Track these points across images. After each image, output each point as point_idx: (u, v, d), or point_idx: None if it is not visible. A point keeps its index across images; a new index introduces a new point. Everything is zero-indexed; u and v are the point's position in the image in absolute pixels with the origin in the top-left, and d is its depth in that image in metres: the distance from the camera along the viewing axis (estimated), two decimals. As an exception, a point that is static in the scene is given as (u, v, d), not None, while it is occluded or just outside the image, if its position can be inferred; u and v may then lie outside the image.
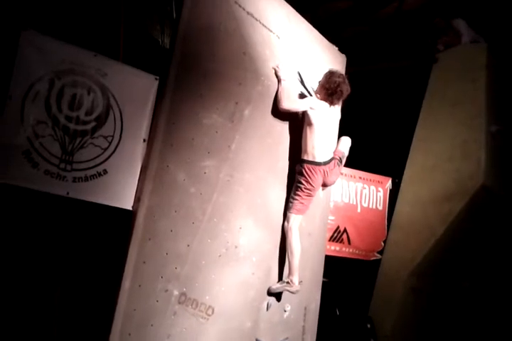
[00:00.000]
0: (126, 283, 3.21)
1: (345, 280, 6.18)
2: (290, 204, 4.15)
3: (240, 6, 4.10)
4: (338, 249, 6.01)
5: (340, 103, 4.39)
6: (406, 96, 6.96)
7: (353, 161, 6.10)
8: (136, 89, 3.62)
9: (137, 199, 3.40)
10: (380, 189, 6.43)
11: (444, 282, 5.87)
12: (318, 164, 4.11)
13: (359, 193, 6.24)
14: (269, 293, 4.07)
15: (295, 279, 4.03)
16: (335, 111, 4.39)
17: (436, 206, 5.72)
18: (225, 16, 3.96)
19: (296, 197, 4.13)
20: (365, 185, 6.32)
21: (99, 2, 4.45)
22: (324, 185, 4.32)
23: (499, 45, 6.55)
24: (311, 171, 4.09)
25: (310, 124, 4.13)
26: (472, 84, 6.13)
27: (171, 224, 3.44)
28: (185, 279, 3.49)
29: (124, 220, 3.36)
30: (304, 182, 4.10)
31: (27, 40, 3.14)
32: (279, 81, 4.23)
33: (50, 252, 3.68)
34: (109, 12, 4.48)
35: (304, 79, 4.60)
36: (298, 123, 4.31)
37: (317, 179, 4.12)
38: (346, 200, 6.13)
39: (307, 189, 4.11)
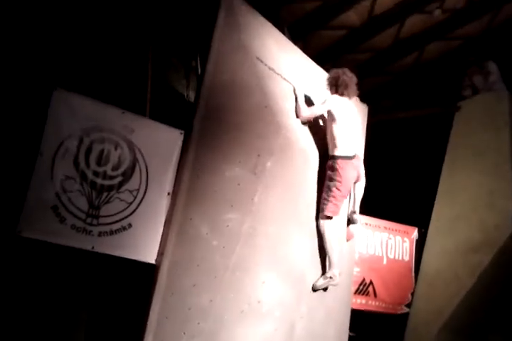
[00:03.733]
0: (149, 339, 3.16)
1: (372, 334, 5.97)
2: (323, 206, 4.14)
3: (261, 61, 4.24)
4: (364, 302, 5.85)
5: (354, 94, 4.47)
6: (430, 145, 6.96)
7: (378, 210, 6.06)
8: (161, 144, 3.72)
9: (160, 253, 3.41)
10: (406, 239, 6.32)
11: (475, 336, 5.63)
12: (350, 158, 4.17)
13: (384, 244, 6.14)
14: (314, 290, 4.11)
15: (336, 272, 4.10)
16: (352, 106, 4.50)
17: (464, 257, 5.59)
18: (247, 72, 4.10)
19: (330, 198, 4.12)
20: (391, 236, 6.23)
21: (127, 60, 4.65)
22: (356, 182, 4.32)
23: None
24: (344, 165, 4.13)
25: (334, 120, 4.23)
26: (495, 132, 6.13)
27: (194, 279, 3.42)
28: (208, 335, 3.43)
29: (148, 274, 3.36)
30: (337, 178, 4.11)
31: (58, 99, 3.29)
32: (296, 98, 4.37)
33: (73, 306, 3.68)
34: (137, 68, 4.68)
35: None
36: (320, 175, 4.36)
37: (350, 173, 4.16)
38: (372, 252, 6.03)
39: (341, 186, 4.10)
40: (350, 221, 4.61)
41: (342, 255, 4.50)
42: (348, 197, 4.56)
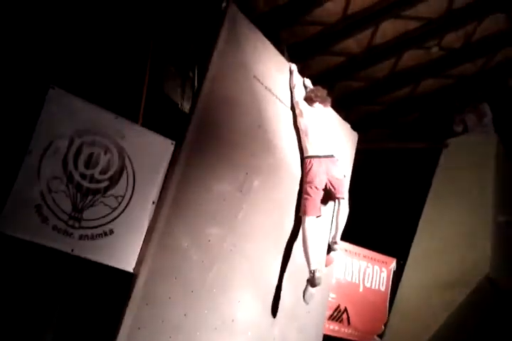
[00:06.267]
0: (119, 349, 3.09)
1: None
2: (302, 207, 4.20)
3: (259, 80, 4.28)
4: (336, 328, 5.81)
5: (325, 101, 4.68)
6: (416, 177, 7.03)
7: (359, 238, 6.08)
8: (151, 153, 3.70)
9: (139, 262, 3.36)
10: (383, 269, 6.34)
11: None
12: (318, 156, 4.29)
13: (362, 272, 6.15)
14: (312, 284, 4.00)
15: (313, 267, 4.02)
16: (326, 113, 4.71)
17: (440, 292, 5.58)
18: (244, 90, 4.13)
19: (305, 196, 4.21)
20: (369, 264, 6.24)
21: (125, 65, 4.65)
22: (332, 185, 4.30)
23: (508, 136, 6.72)
24: (312, 164, 4.27)
25: (302, 117, 4.48)
26: (481, 173, 6.21)
27: (170, 291, 3.37)
28: (178, 350, 3.36)
29: (125, 282, 3.30)
30: (308, 176, 4.24)
31: (53, 98, 3.27)
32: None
33: (45, 308, 3.58)
34: (133, 74, 4.68)
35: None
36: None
37: (320, 171, 4.23)
38: (349, 278, 6.02)
39: (312, 183, 4.19)
40: (330, 249, 4.58)
41: (318, 254, 4.42)
42: (330, 223, 4.57)
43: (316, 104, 4.61)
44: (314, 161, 4.30)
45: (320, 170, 4.26)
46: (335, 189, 4.33)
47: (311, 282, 3.96)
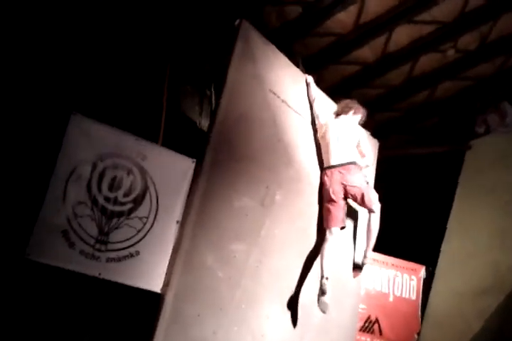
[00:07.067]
0: (151, 370, 3.11)
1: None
2: (324, 220, 4.19)
3: (274, 93, 4.31)
4: (368, 340, 5.73)
5: (354, 110, 4.64)
6: (440, 182, 6.94)
7: (386, 247, 6.00)
8: (173, 172, 3.75)
9: (166, 282, 3.38)
10: (413, 277, 6.23)
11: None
12: (333, 167, 4.26)
13: (391, 281, 6.05)
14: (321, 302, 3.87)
15: (324, 280, 3.90)
16: (350, 120, 4.60)
17: (473, 299, 5.47)
18: (260, 104, 4.16)
19: (324, 210, 4.21)
20: (398, 273, 6.14)
21: (142, 86, 4.73)
22: (351, 194, 4.23)
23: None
24: (324, 175, 4.29)
25: (322, 131, 4.49)
26: (506, 171, 6.12)
27: (198, 309, 3.39)
28: (210, 368, 3.37)
29: (153, 302, 3.33)
30: (324, 188, 4.24)
31: (75, 124, 3.36)
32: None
33: (76, 332, 3.63)
34: (151, 94, 4.75)
35: None
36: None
37: (332, 181, 4.21)
38: (378, 288, 5.94)
39: (327, 195, 4.19)
40: (360, 265, 4.49)
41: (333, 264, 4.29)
42: (354, 235, 4.53)
43: (343, 115, 4.58)
44: (326, 172, 4.30)
45: (333, 180, 4.22)
46: (359, 198, 4.22)
47: (321, 290, 3.87)
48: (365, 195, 4.22)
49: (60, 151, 3.26)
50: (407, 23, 5.98)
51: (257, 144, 4.06)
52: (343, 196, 4.23)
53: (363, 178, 4.37)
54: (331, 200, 4.19)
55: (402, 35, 6.15)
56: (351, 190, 4.21)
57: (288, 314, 3.95)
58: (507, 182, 6.06)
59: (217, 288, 3.52)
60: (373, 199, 4.26)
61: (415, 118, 7.58)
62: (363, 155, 4.49)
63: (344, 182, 4.21)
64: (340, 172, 4.24)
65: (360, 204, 4.35)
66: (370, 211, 4.26)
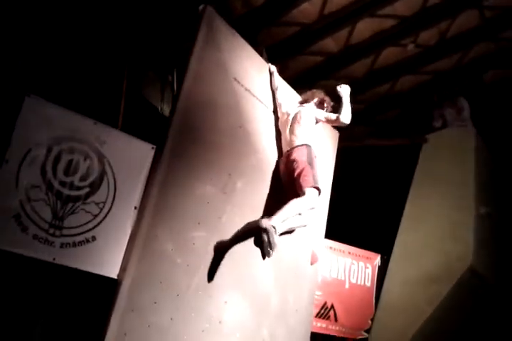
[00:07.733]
0: (105, 356, 3.07)
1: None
2: (310, 178, 3.94)
3: (238, 82, 4.29)
4: (324, 326, 5.85)
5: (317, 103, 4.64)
6: (397, 173, 7.11)
7: (343, 235, 6.12)
8: (132, 158, 3.68)
9: (123, 268, 3.34)
10: (368, 265, 6.39)
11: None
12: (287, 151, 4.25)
13: (347, 269, 6.19)
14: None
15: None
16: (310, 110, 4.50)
17: (424, 286, 5.66)
18: (223, 91, 4.13)
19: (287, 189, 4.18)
20: (354, 261, 6.29)
21: (102, 70, 4.63)
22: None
23: (487, 129, 6.83)
24: (281, 160, 4.35)
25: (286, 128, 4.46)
26: (461, 166, 6.31)
27: (156, 296, 3.36)
28: (166, 354, 3.35)
29: (109, 289, 3.28)
30: (280, 174, 4.31)
31: (29, 106, 3.22)
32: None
33: (29, 318, 3.55)
34: (112, 79, 4.66)
35: None
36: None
37: (282, 162, 4.28)
38: (334, 275, 6.06)
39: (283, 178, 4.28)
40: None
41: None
42: None
43: (307, 104, 4.57)
44: (282, 158, 4.33)
45: (281, 162, 4.31)
46: (295, 174, 4.02)
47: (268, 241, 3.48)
48: (303, 172, 3.94)
49: (13, 133, 3.14)
50: (370, 16, 6.07)
51: (220, 132, 4.03)
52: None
53: (309, 156, 4.10)
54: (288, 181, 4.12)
55: (365, 27, 6.25)
56: (292, 166, 4.05)
57: (246, 300, 3.97)
58: (461, 176, 6.26)
59: (175, 275, 3.50)
60: (309, 181, 3.90)
61: (376, 110, 7.72)
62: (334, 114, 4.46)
63: (289, 159, 4.11)
64: (288, 152, 4.20)
65: (295, 182, 4.00)
66: (302, 193, 3.86)
